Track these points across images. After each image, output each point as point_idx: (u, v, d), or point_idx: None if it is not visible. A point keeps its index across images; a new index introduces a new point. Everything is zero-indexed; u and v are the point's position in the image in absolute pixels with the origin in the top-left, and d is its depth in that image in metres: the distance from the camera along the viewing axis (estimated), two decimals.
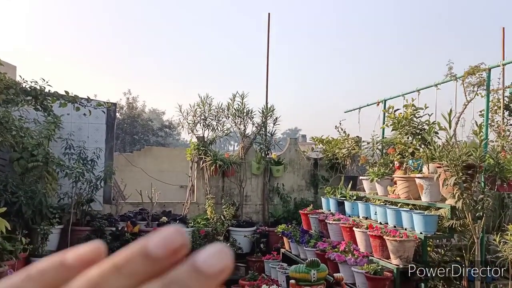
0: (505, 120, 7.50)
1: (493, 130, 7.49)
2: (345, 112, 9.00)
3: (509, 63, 5.15)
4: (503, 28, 8.03)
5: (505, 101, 7.60)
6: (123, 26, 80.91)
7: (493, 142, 7.28)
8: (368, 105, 8.25)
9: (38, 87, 5.56)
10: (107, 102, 7.74)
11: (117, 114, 24.68)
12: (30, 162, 6.72)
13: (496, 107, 7.34)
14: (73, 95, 6.06)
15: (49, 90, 5.74)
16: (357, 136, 8.03)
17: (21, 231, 6.46)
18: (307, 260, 3.14)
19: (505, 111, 7.53)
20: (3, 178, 6.50)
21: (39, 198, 6.64)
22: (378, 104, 7.90)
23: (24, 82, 5.40)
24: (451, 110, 5.04)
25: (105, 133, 8.24)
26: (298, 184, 9.20)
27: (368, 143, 7.47)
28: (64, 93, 6.06)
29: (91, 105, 6.60)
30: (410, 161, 6.13)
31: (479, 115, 7.27)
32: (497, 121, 7.46)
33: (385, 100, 7.74)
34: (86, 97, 6.44)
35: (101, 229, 7.41)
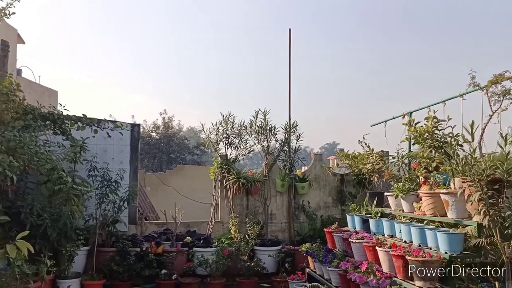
0: None
1: None
2: (372, 125, 8.75)
3: None
4: None
5: None
6: (161, 49, 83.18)
7: None
8: (394, 118, 7.98)
9: (56, 112, 5.70)
10: (125, 123, 7.86)
11: (154, 134, 25.27)
12: (56, 185, 6.87)
13: None
14: (90, 118, 6.17)
15: (67, 114, 5.87)
16: (382, 151, 7.77)
17: (46, 253, 6.59)
18: (310, 285, 2.98)
19: None
20: (30, 201, 6.66)
21: (63, 220, 6.76)
22: (403, 117, 7.61)
23: (42, 107, 5.55)
24: (473, 122, 4.76)
25: (129, 154, 8.35)
26: (324, 201, 8.98)
27: (393, 157, 7.20)
28: (81, 116, 6.18)
29: (108, 127, 6.70)
30: (437, 176, 5.84)
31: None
32: None
33: (411, 112, 7.46)
34: (103, 119, 6.55)
35: (125, 250, 7.45)
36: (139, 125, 8.72)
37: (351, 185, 8.91)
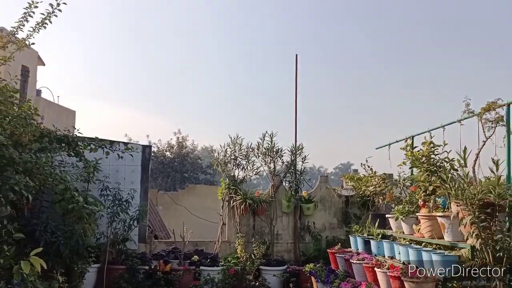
0: None
1: None
2: (376, 148, 8.93)
3: None
4: None
5: None
6: (174, 70, 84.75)
7: None
8: (397, 142, 8.15)
9: (70, 135, 6.05)
10: (137, 145, 8.21)
11: (168, 153, 25.66)
12: (70, 204, 7.18)
13: None
14: (102, 140, 6.50)
15: (81, 136, 6.22)
16: (385, 173, 7.94)
17: (59, 269, 6.86)
18: None
19: None
20: (44, 219, 6.98)
21: (76, 238, 7.05)
22: (406, 141, 7.79)
23: (57, 130, 5.91)
24: (465, 148, 4.94)
25: (140, 175, 8.67)
26: (329, 222, 9.14)
27: (395, 180, 7.36)
28: (94, 138, 6.52)
29: (119, 149, 7.03)
30: (438, 199, 5.99)
31: None
32: None
33: (413, 136, 7.64)
34: (116, 141, 6.88)
35: (134, 267, 7.70)
36: (150, 146, 9.06)
37: (356, 207, 9.07)
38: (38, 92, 18.96)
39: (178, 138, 26.13)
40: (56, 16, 5.22)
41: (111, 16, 75.51)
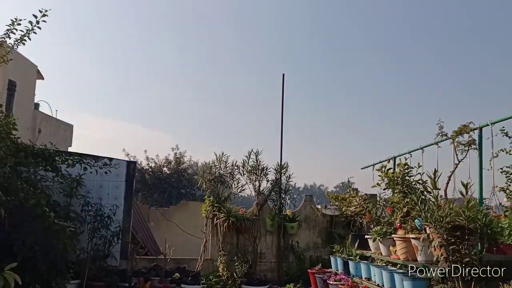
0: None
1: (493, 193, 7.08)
2: (362, 168, 8.93)
3: (498, 122, 5.02)
4: None
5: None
6: (174, 89, 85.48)
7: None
8: (380, 162, 8.16)
9: (47, 150, 6.09)
10: (121, 160, 8.22)
11: (165, 169, 25.66)
12: (50, 219, 7.15)
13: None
14: (80, 154, 6.53)
15: (58, 151, 6.24)
16: (366, 194, 7.92)
17: (35, 285, 6.81)
18: None
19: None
20: (23, 233, 6.95)
21: (54, 253, 7.01)
22: (388, 161, 7.81)
23: (34, 145, 5.95)
24: (435, 171, 4.95)
25: (124, 190, 8.66)
26: (314, 241, 9.09)
27: (376, 201, 7.34)
28: (72, 153, 6.55)
29: (97, 165, 7.06)
30: (415, 220, 5.96)
31: (501, 171, 7.01)
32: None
33: (395, 157, 7.66)
34: (99, 156, 6.90)
35: (113, 284, 7.63)
36: (135, 162, 9.08)
37: (340, 227, 9.02)
38: (36, 105, 19.05)
39: (175, 153, 26.17)
40: (35, 33, 5.32)
41: (113, 30, 76.39)
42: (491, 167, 5.21)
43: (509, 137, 6.77)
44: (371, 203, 7.39)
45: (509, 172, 7.06)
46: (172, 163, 26.12)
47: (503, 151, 7.04)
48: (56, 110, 21.02)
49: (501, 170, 6.93)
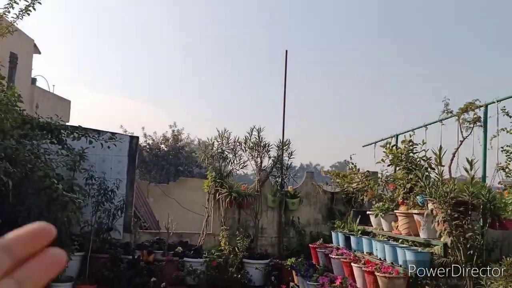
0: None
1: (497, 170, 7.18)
2: (363, 146, 9.00)
3: (504, 99, 5.06)
4: None
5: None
6: (173, 66, 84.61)
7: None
8: (382, 140, 8.21)
9: (53, 122, 6.09)
10: (124, 135, 8.24)
11: (163, 146, 25.71)
12: (59, 190, 7.20)
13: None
14: (85, 129, 6.55)
15: (64, 124, 6.25)
16: (368, 171, 7.99)
17: None
18: None
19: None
20: (28, 206, 7.02)
21: (59, 226, 7.09)
22: (391, 139, 7.85)
23: (40, 117, 5.95)
24: (440, 147, 5.00)
25: (127, 165, 8.71)
26: (314, 217, 9.21)
27: (378, 178, 7.42)
28: (77, 126, 6.56)
29: (102, 138, 7.07)
30: (417, 197, 6.05)
31: (501, 150, 7.08)
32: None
33: (397, 135, 7.71)
34: (102, 130, 6.92)
35: (117, 257, 7.75)
36: (137, 137, 9.07)
37: (341, 203, 9.13)
38: (33, 80, 18.90)
39: (173, 131, 26.16)
40: (40, 3, 5.25)
41: (111, 7, 75.21)
42: (491, 146, 5.27)
43: (510, 116, 6.83)
44: (372, 180, 7.47)
45: (509, 151, 7.15)
46: (170, 140, 26.14)
47: (504, 130, 7.13)
48: (54, 85, 20.87)
49: (502, 149, 7.01)
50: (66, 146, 6.77)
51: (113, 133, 8.36)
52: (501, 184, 6.80)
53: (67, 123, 7.39)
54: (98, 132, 7.77)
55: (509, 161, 7.02)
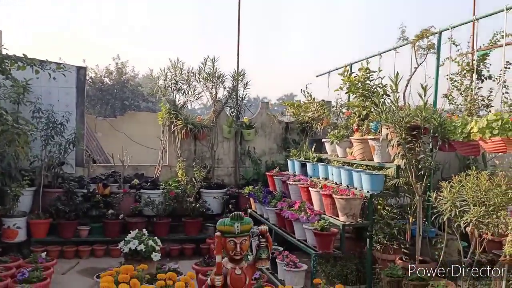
0: (474, 84, 7.58)
1: (461, 93, 7.61)
2: (317, 76, 9.07)
3: (457, 26, 5.21)
4: None
5: (473, 64, 7.69)
6: None
7: (461, 105, 7.38)
8: (336, 69, 8.31)
9: None
10: (70, 65, 7.80)
11: (107, 79, 24.64)
12: (8, 122, 6.78)
13: (465, 71, 7.42)
14: (31, 58, 6.11)
15: (7, 54, 5.78)
16: (323, 100, 8.13)
17: None
18: (231, 214, 3.32)
19: (473, 74, 7.58)
20: None
21: (7, 160, 6.79)
22: (345, 68, 7.95)
23: None
24: (397, 74, 5.14)
25: (75, 97, 8.31)
26: (269, 147, 9.39)
27: (332, 106, 7.59)
28: (22, 56, 6.11)
29: (50, 68, 6.65)
30: (370, 123, 6.28)
31: (447, 78, 7.40)
32: (466, 85, 7.57)
33: (351, 64, 7.81)
34: (46, 60, 6.50)
35: (71, 190, 7.60)
36: (85, 67, 8.60)
37: (295, 133, 9.34)
38: None
39: (117, 64, 25.05)
40: None
41: None
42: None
43: (456, 45, 7.09)
44: (327, 109, 7.64)
45: (454, 79, 7.51)
46: (114, 73, 25.10)
47: (451, 59, 7.45)
48: None
49: (447, 77, 7.35)
50: (11, 76, 6.31)
51: (57, 63, 7.85)
52: (444, 110, 7.20)
53: None
54: (42, 62, 7.27)
55: (453, 88, 7.40)
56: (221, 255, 3.26)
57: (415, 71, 5.52)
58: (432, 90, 5.61)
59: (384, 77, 5.79)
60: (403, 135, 4.92)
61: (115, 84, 24.52)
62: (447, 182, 4.47)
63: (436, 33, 5.38)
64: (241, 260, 3.34)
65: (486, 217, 4.07)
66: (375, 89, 5.75)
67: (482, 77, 7.68)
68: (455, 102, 7.41)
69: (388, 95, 5.67)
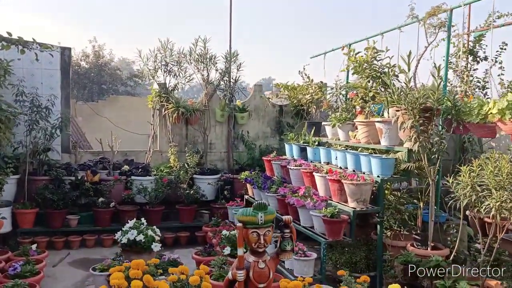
0: (469, 65, 7.49)
1: (457, 75, 7.50)
2: (311, 57, 8.81)
3: (471, 2, 5.01)
4: None
5: (469, 46, 7.57)
6: None
7: (456, 87, 7.30)
8: (333, 50, 8.06)
9: None
10: (54, 46, 7.31)
11: (83, 63, 23.83)
12: None
13: (460, 52, 7.29)
14: (16, 38, 5.66)
15: None
16: (321, 82, 7.90)
17: None
18: (254, 203, 3.06)
19: (469, 56, 7.50)
20: None
21: None
22: (343, 49, 7.70)
23: None
24: (410, 52, 4.92)
25: (60, 80, 7.85)
26: (263, 131, 9.13)
27: (331, 88, 7.36)
28: (6, 36, 5.65)
29: (36, 47, 6.20)
30: (372, 106, 6.08)
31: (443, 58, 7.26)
32: (461, 66, 7.44)
33: (350, 44, 7.56)
34: (29, 41, 6.06)
35: (59, 178, 7.21)
36: (70, 48, 8.12)
37: (290, 116, 9.10)
38: None
39: (94, 46, 24.23)
40: None
41: None
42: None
43: (452, 26, 6.94)
44: (327, 91, 7.41)
45: (449, 61, 7.40)
46: (91, 56, 24.31)
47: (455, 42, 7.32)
48: None
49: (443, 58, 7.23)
50: None
51: (41, 44, 7.36)
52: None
53: None
54: (24, 42, 6.79)
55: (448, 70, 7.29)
56: (242, 247, 3.02)
57: (426, 50, 5.32)
58: (442, 71, 5.42)
59: (393, 56, 5.58)
60: (417, 117, 4.73)
61: (92, 68, 23.77)
62: (465, 166, 4.31)
63: (447, 10, 5.17)
64: (264, 252, 3.10)
65: (508, 201, 3.93)
66: (383, 70, 5.53)
67: (478, 59, 7.61)
68: (451, 84, 7.31)
69: (397, 76, 5.47)
